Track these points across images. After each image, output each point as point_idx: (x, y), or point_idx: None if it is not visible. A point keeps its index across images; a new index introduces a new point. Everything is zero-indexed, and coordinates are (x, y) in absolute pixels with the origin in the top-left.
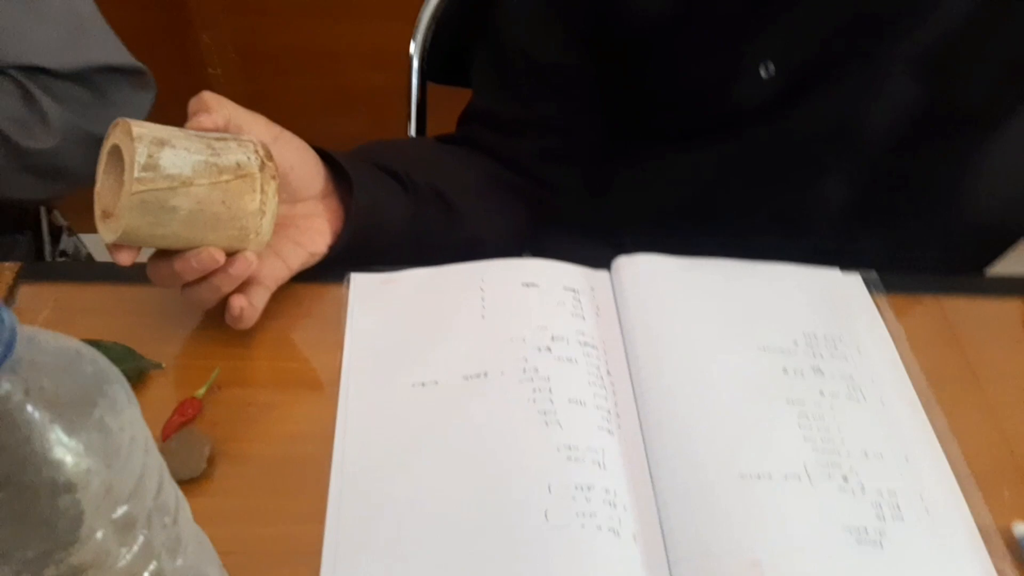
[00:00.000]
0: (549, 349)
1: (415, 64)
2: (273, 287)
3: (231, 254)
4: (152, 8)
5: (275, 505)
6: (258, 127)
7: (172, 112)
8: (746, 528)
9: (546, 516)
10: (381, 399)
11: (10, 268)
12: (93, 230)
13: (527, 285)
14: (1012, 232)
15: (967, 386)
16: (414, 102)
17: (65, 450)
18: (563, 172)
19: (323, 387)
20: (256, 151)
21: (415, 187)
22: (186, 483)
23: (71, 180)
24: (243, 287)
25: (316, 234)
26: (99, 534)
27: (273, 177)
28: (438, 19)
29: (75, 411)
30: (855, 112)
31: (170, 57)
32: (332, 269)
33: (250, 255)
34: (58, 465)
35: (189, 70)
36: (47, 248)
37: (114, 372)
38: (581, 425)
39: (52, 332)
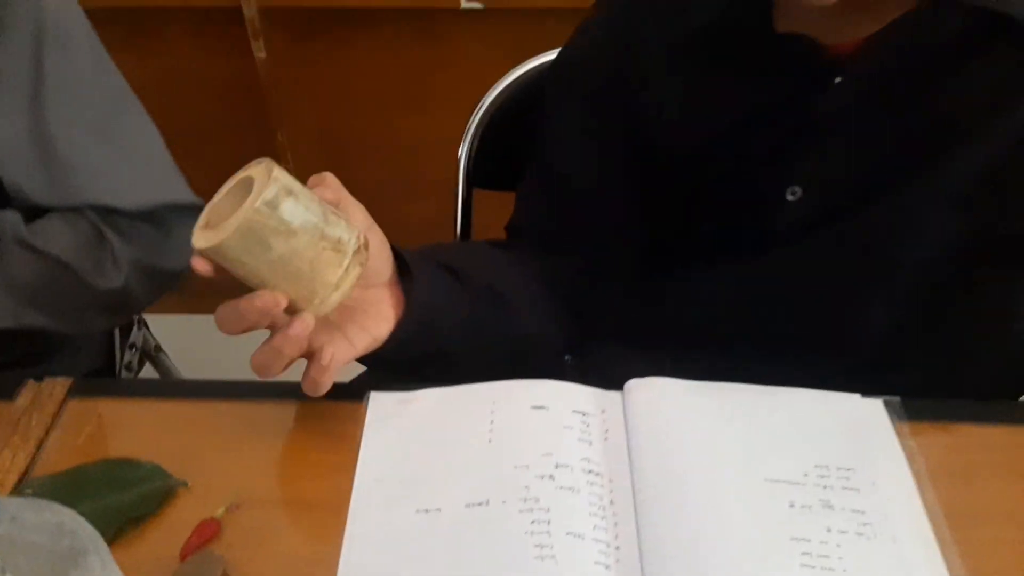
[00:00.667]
0: (552, 477)
1: (461, 167)
2: (342, 365)
3: (291, 312)
4: (234, 105)
5: None
6: (358, 213)
7: None
8: None
9: None
10: (386, 524)
11: (62, 384)
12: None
13: (536, 408)
14: None
15: (989, 525)
16: (459, 202)
17: None
18: (603, 286)
19: (334, 509)
20: (358, 237)
21: (471, 283)
22: None
23: (132, 310)
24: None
25: (381, 320)
26: None
27: (361, 264)
28: (486, 126)
29: (56, 567)
30: (889, 242)
31: (251, 150)
32: (357, 389)
33: (308, 316)
34: None
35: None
36: (117, 339)
37: (93, 543)
38: (578, 560)
39: (40, 504)
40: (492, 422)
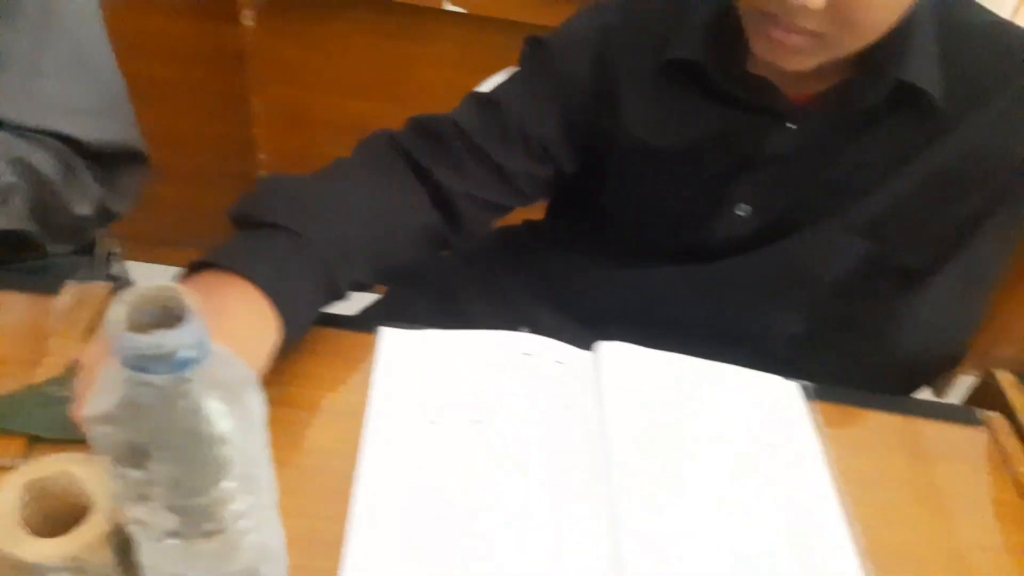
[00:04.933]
0: (539, 409)
1: None
2: None
3: None
4: (214, 69)
5: (306, 504)
6: None
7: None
8: None
9: (523, 536)
10: (399, 429)
11: (103, 287)
12: (138, 258)
13: (525, 354)
14: (934, 367)
15: (874, 485)
16: None
17: (225, 417)
18: (488, 217)
19: (352, 414)
20: None
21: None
22: None
23: (83, 241)
24: None
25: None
26: (231, 482)
27: None
28: None
29: (232, 394)
30: (811, 259)
31: (222, 113)
32: (365, 322)
33: None
34: (220, 426)
35: (237, 127)
36: (101, 270)
37: (253, 377)
38: (567, 466)
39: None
40: (488, 360)
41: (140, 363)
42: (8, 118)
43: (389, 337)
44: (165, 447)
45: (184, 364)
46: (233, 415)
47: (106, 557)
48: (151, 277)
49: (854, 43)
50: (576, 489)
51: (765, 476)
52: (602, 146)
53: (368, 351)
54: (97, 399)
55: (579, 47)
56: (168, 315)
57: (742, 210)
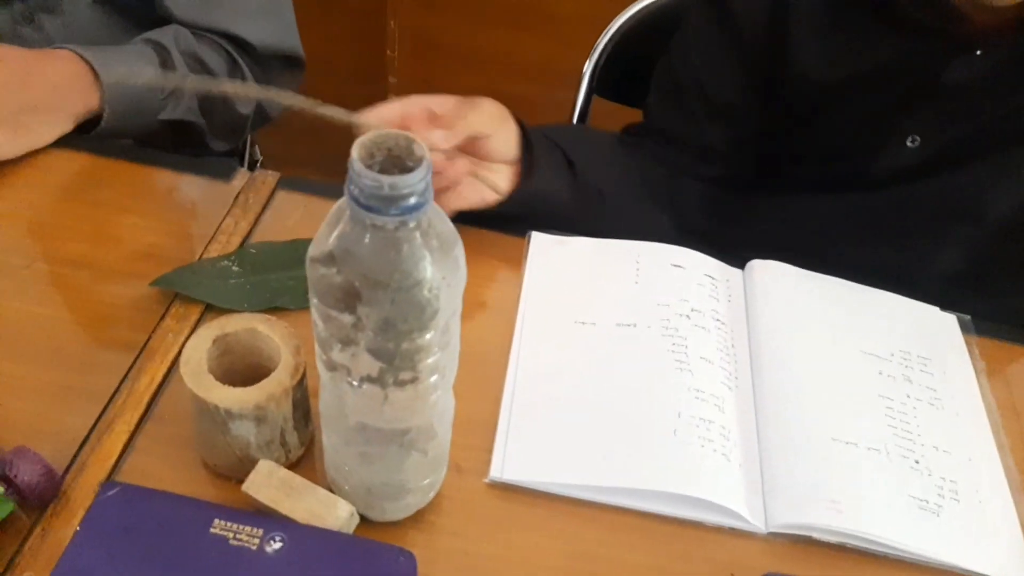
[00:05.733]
0: (688, 317)
1: (585, 81)
2: (467, 206)
3: None
4: None
5: (464, 388)
6: (448, 102)
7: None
8: (831, 477)
9: (675, 433)
10: (549, 327)
11: (272, 176)
12: (281, 168)
13: (675, 266)
14: None
15: None
16: (577, 112)
17: (439, 265)
18: (708, 196)
19: (505, 310)
20: None
21: (583, 180)
22: None
23: (239, 141)
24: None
25: (492, 186)
26: (433, 333)
27: None
28: (616, 41)
29: (446, 245)
30: (979, 194)
31: (358, 34)
32: (514, 227)
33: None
34: (435, 273)
35: (370, 49)
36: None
37: (458, 234)
38: (708, 376)
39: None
40: (638, 269)
41: (373, 203)
42: (183, 17)
43: (540, 241)
44: (382, 289)
45: (412, 208)
46: (444, 265)
47: (286, 409)
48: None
49: None
50: (723, 394)
51: (915, 395)
52: (769, 89)
53: (519, 253)
54: (318, 239)
55: None
56: (394, 163)
57: (913, 141)
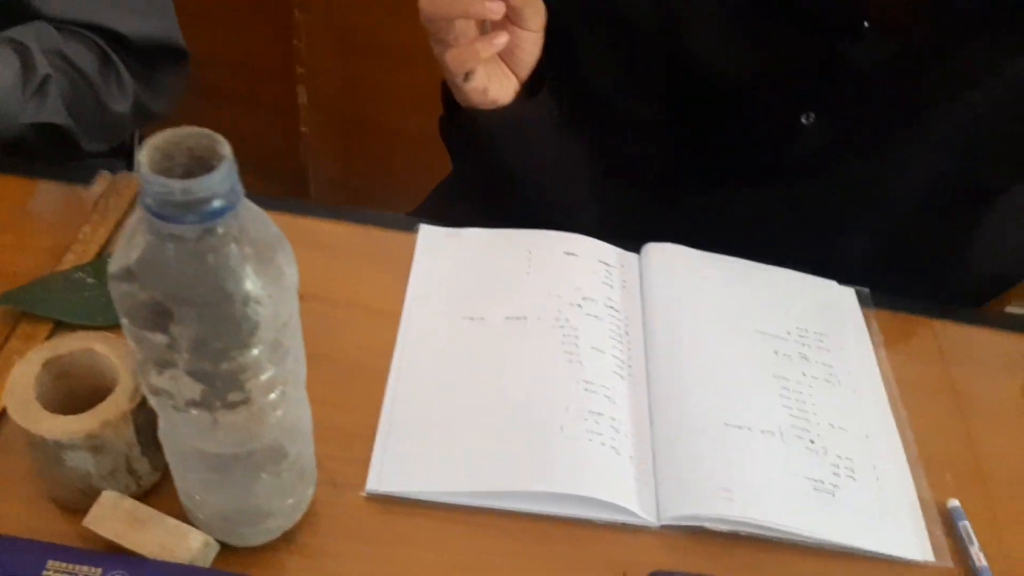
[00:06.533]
0: (579, 306)
1: None
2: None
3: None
4: None
5: (340, 397)
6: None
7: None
8: (724, 464)
9: (562, 429)
10: (436, 326)
11: (136, 178)
12: None
13: (568, 254)
14: (1005, 284)
15: (932, 393)
16: None
17: (256, 276)
18: (624, 190)
19: (389, 311)
20: None
21: (562, 138)
22: None
23: (118, 140)
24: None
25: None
26: (258, 350)
27: None
28: None
29: (265, 253)
30: (887, 178)
31: (262, 26)
32: (404, 221)
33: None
34: (251, 283)
35: (277, 42)
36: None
37: (286, 240)
38: (598, 367)
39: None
40: (530, 260)
41: (167, 211)
42: (51, 12)
43: (428, 235)
44: (190, 306)
45: (215, 214)
46: (265, 274)
47: (127, 436)
48: None
49: None
50: (614, 384)
51: (811, 373)
52: (670, 87)
53: (409, 250)
54: (118, 254)
55: None
56: (199, 165)
57: (807, 118)
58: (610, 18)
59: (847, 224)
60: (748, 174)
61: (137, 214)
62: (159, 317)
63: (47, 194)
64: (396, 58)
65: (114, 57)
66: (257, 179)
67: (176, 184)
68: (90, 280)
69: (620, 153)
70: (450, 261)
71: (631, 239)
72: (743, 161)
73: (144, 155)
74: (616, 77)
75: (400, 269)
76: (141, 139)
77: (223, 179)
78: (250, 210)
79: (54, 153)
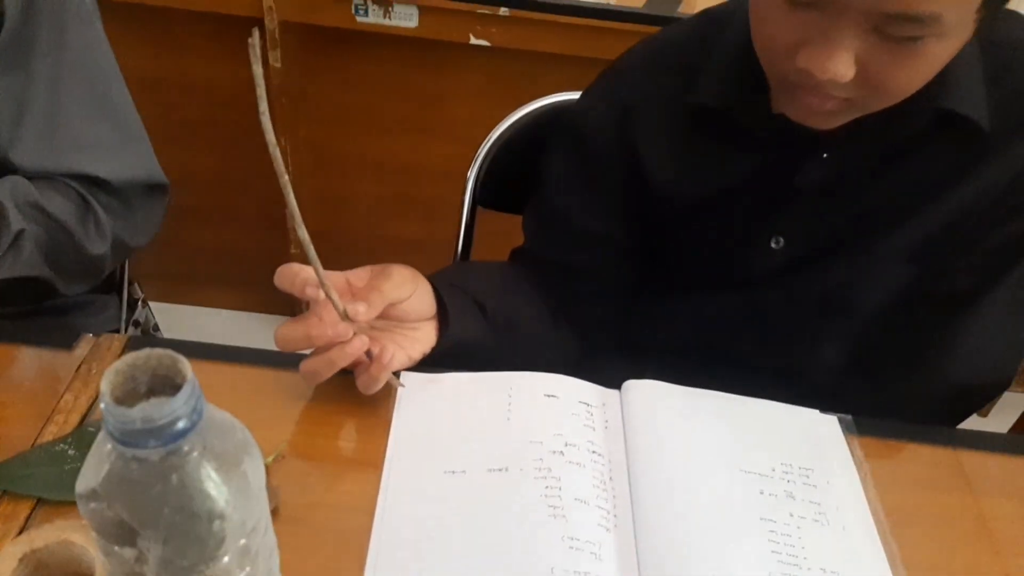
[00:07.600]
0: (562, 453)
1: (468, 190)
2: (396, 367)
3: None
4: (241, 110)
5: (317, 563)
6: (363, 274)
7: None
8: None
9: None
10: (417, 481)
11: (119, 339)
12: (162, 299)
13: (548, 396)
14: (982, 394)
15: (921, 523)
16: (463, 221)
17: (221, 490)
18: (598, 309)
19: (370, 466)
20: None
21: (496, 318)
22: None
23: (99, 279)
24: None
25: (418, 343)
26: (228, 557)
27: None
28: (495, 154)
29: (229, 464)
30: (852, 288)
31: (251, 154)
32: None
33: (364, 338)
34: (216, 500)
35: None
36: (123, 315)
37: (252, 440)
38: (583, 520)
39: (214, 406)
40: (510, 404)
41: (129, 437)
42: (30, 166)
43: (410, 381)
44: (155, 525)
45: (176, 436)
46: (230, 486)
47: None
48: (180, 319)
49: (885, 103)
50: (599, 539)
51: (799, 513)
52: (634, 208)
53: (389, 398)
54: (85, 472)
55: (602, 121)
56: (163, 383)
57: (777, 243)
58: (580, 150)
59: (817, 334)
60: (724, 286)
61: (102, 434)
62: (127, 533)
63: (27, 360)
64: (373, 176)
65: (92, 202)
66: (249, 293)
67: (137, 413)
68: (71, 452)
69: (587, 270)
70: (431, 408)
71: (630, 355)
72: (718, 275)
73: (105, 382)
74: (581, 197)
75: (382, 418)
76: (132, 280)
77: (185, 401)
78: (213, 421)
79: (35, 300)
